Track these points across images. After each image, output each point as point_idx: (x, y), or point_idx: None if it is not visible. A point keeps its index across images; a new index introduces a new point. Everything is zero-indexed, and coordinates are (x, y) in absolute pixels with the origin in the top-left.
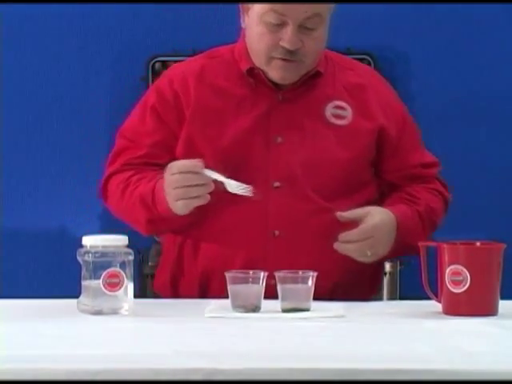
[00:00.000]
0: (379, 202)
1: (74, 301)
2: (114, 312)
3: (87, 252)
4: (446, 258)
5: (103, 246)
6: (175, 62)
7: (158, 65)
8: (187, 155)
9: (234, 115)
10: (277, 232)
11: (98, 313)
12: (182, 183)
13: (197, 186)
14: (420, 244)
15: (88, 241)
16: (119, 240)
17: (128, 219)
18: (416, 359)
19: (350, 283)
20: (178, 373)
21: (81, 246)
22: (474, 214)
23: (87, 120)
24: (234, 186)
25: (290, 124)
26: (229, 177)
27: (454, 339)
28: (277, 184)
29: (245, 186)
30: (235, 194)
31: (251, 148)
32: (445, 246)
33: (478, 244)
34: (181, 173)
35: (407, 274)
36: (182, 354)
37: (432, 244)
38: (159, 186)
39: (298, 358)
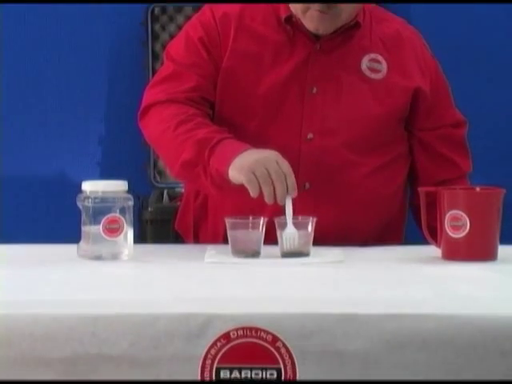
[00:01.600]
0: (408, 156)
1: (73, 246)
2: (114, 257)
3: (87, 197)
4: (446, 204)
5: (103, 192)
6: (174, 7)
7: (157, 10)
8: (222, 100)
9: (271, 62)
10: (307, 184)
11: (98, 258)
12: (272, 170)
13: (271, 184)
14: (420, 189)
15: (88, 186)
16: (119, 185)
17: (165, 151)
18: (415, 304)
19: (380, 238)
20: (177, 318)
21: (80, 191)
22: (474, 159)
23: (87, 66)
24: (288, 233)
25: (327, 75)
26: (263, 125)
27: (453, 284)
28: (310, 136)
29: (292, 237)
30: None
31: (287, 97)
32: (444, 191)
33: (477, 189)
34: (278, 164)
35: (408, 219)
36: (182, 299)
37: (432, 189)
38: (230, 144)
39: (297, 302)
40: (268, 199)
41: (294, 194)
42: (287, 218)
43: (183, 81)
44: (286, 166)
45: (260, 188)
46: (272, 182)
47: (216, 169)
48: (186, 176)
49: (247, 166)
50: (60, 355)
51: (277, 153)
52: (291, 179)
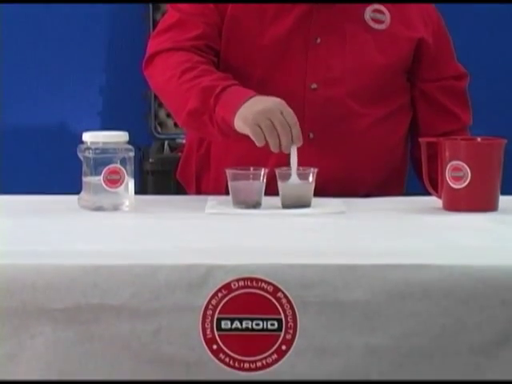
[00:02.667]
0: (410, 107)
1: (74, 197)
2: (115, 208)
3: (88, 148)
4: (447, 154)
5: (104, 143)
6: None
7: None
8: (227, 49)
9: (275, 13)
10: (311, 134)
11: (99, 209)
12: (277, 121)
13: (277, 134)
14: (421, 140)
15: (88, 137)
16: (120, 136)
17: (170, 99)
18: (416, 254)
19: (382, 190)
20: (178, 269)
21: (81, 142)
22: (475, 110)
23: (88, 16)
24: (291, 183)
25: (330, 25)
26: (267, 75)
27: (454, 235)
28: (314, 86)
29: (295, 187)
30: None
31: (290, 48)
32: (445, 141)
33: (478, 140)
34: (282, 114)
35: (410, 170)
36: (183, 250)
37: (433, 140)
38: (235, 91)
39: (298, 253)
40: (273, 148)
41: (299, 143)
42: (292, 167)
43: (188, 29)
44: (290, 115)
45: (266, 138)
46: (277, 133)
47: (222, 117)
48: (192, 125)
49: (252, 117)
50: (62, 305)
51: (282, 101)
52: (296, 129)
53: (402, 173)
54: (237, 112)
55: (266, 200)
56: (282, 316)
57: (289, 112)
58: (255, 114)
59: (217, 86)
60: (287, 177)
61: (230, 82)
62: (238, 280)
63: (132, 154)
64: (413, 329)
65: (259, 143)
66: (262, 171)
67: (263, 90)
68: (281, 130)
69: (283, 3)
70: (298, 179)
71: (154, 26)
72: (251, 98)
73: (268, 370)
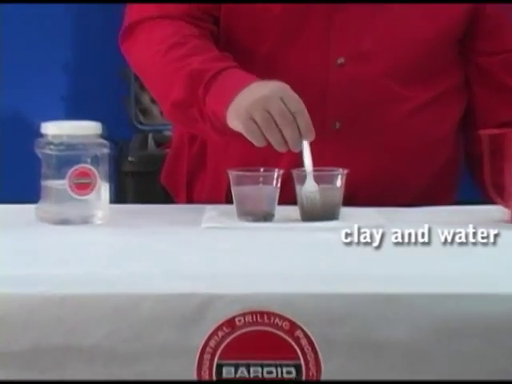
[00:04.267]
0: (464, 89)
1: (31, 206)
2: (85, 221)
3: (48, 143)
4: None
5: (69, 136)
6: None
7: None
8: (228, 18)
9: None
10: (338, 124)
11: (64, 222)
12: (275, 111)
13: (276, 128)
14: (481, 132)
15: (49, 129)
16: (90, 128)
17: (153, 83)
18: (473, 281)
19: (428, 196)
20: (166, 299)
21: (40, 135)
22: None
23: None
24: (307, 191)
25: None
26: (277, 49)
27: None
28: (341, 60)
29: (315, 189)
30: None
31: (309, 14)
32: None
33: None
34: (283, 101)
35: (467, 173)
36: (172, 276)
37: (497, 132)
38: (230, 77)
39: (319, 280)
40: (277, 147)
41: (311, 136)
42: (306, 169)
43: None
44: (294, 101)
45: (263, 127)
46: (277, 126)
47: (212, 111)
48: (179, 118)
49: (244, 110)
50: (17, 347)
51: (284, 85)
52: (303, 118)
53: (454, 175)
54: (230, 104)
55: (281, 210)
56: (302, 361)
57: (291, 97)
58: (248, 105)
59: (208, 69)
60: (304, 180)
61: (224, 63)
62: (243, 314)
63: (106, 150)
64: (468, 375)
65: (258, 143)
66: (276, 173)
67: (272, 68)
68: (280, 122)
69: None
70: (314, 184)
71: None
72: (250, 84)
73: None
